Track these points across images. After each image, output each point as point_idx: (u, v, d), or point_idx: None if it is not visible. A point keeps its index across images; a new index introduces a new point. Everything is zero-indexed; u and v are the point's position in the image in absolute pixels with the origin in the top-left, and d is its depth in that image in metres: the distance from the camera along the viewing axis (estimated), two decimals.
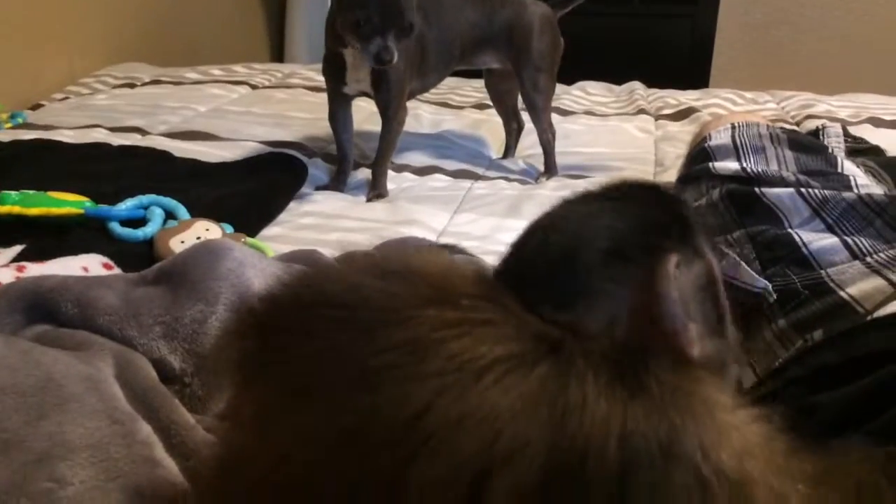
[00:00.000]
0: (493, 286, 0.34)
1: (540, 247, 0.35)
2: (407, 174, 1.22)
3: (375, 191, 1.12)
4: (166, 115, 1.47)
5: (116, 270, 0.79)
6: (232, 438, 0.37)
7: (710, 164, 0.87)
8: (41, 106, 1.56)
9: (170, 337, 0.61)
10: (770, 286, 0.69)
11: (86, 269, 0.76)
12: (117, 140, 1.29)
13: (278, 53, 2.72)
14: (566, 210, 0.36)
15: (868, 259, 0.65)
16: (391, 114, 1.14)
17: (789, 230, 0.74)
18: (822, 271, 0.67)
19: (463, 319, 0.31)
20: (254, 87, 1.73)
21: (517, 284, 0.34)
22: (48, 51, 1.70)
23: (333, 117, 1.17)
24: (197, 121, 1.45)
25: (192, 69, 1.84)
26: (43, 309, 0.59)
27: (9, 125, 1.37)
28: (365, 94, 1.15)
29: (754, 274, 0.71)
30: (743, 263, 0.72)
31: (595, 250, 0.34)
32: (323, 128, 1.43)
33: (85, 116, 1.43)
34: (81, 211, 0.88)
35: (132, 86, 1.69)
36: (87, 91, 1.66)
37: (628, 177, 0.81)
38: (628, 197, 0.38)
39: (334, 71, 1.12)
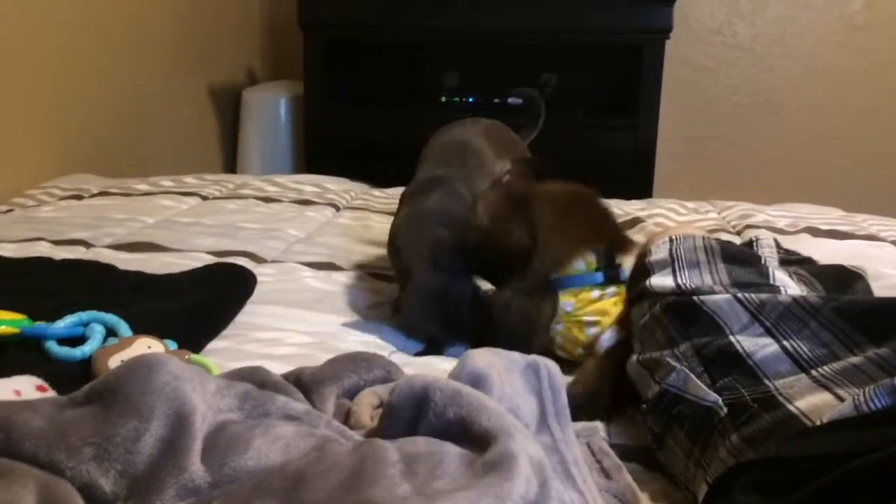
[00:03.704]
0: None
1: None
2: (362, 282, 1.22)
3: None
4: (112, 227, 1.45)
5: (51, 393, 0.75)
6: None
7: (648, 281, 0.89)
8: None
9: (101, 458, 0.58)
10: (720, 400, 0.69)
11: (18, 393, 0.72)
12: (60, 253, 1.26)
13: (231, 164, 2.74)
14: None
15: (814, 373, 0.66)
16: None
17: (730, 338, 0.75)
18: (771, 384, 0.68)
19: None
20: (204, 197, 1.73)
21: None
22: None
23: None
24: (144, 232, 1.43)
25: (142, 180, 1.83)
26: None
27: None
28: None
29: (704, 387, 0.71)
30: (693, 377, 0.73)
31: None
32: (274, 237, 1.43)
33: (28, 229, 1.40)
34: (17, 330, 0.85)
35: (79, 197, 1.67)
36: (32, 203, 1.64)
37: None
38: None
39: None
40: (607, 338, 0.93)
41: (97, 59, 2.02)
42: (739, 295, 0.77)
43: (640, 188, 2.35)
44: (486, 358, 0.70)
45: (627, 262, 0.98)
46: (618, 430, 0.83)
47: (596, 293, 0.94)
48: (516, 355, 0.73)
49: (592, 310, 0.94)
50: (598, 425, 0.83)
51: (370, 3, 2.49)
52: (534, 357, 0.73)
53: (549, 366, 0.73)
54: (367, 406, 0.75)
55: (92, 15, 1.99)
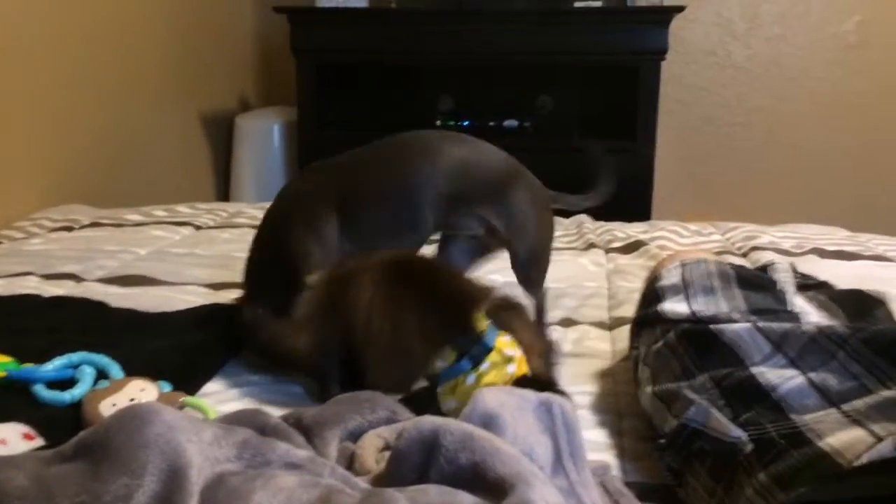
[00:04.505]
0: None
1: None
2: None
3: None
4: (104, 259, 1.41)
5: (39, 440, 0.72)
6: None
7: (660, 306, 0.86)
8: None
9: None
10: (745, 435, 0.66)
11: (4, 442, 0.69)
12: (50, 288, 1.23)
13: (223, 192, 2.71)
14: None
15: (844, 407, 0.62)
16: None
17: (752, 370, 0.72)
18: (798, 418, 0.64)
19: None
20: (198, 227, 1.69)
21: None
22: None
23: None
24: (136, 264, 1.40)
25: (134, 210, 1.80)
26: None
27: None
28: None
29: (726, 422, 0.68)
30: (714, 411, 0.69)
31: None
32: None
33: (16, 263, 1.36)
34: (3, 373, 0.81)
35: (70, 229, 1.64)
36: (21, 235, 1.61)
37: None
38: None
39: None
40: None
41: (87, 88, 2.00)
42: (760, 324, 0.74)
43: (638, 210, 2.33)
44: (497, 397, 0.67)
45: (483, 323, 0.88)
46: (633, 466, 0.80)
47: (471, 379, 0.86)
48: (528, 393, 0.69)
49: (472, 394, 0.84)
50: (610, 462, 0.80)
51: (362, 28, 2.48)
52: (546, 395, 0.69)
53: (562, 403, 0.70)
54: (371, 449, 0.72)
55: (82, 44, 1.97)
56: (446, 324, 0.89)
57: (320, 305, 0.91)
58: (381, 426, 0.76)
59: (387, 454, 0.70)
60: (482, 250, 1.16)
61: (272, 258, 1.05)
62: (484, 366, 0.86)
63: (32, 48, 1.79)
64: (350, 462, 0.71)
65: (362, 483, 0.64)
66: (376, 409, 0.77)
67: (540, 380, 0.86)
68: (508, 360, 0.88)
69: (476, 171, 1.08)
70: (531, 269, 1.10)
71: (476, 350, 0.87)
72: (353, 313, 0.89)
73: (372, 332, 0.89)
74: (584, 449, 0.68)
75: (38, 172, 1.84)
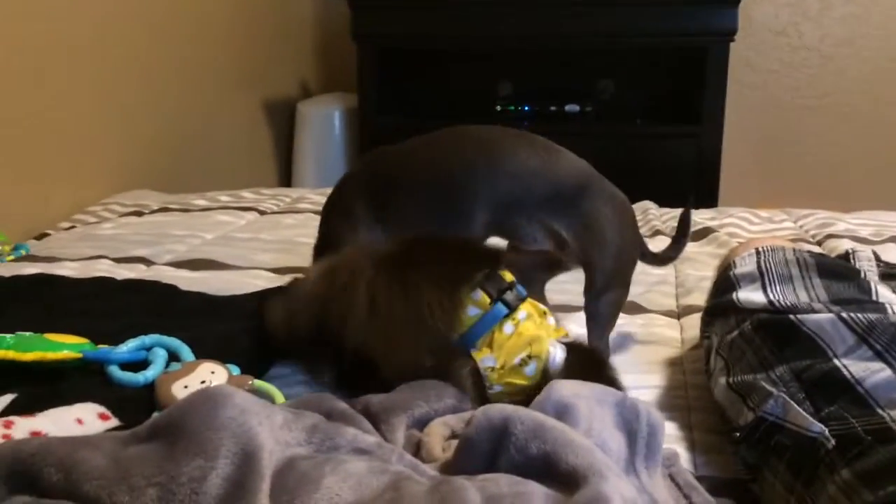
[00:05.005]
0: None
1: None
2: None
3: None
4: (172, 243, 1.44)
5: (114, 420, 0.73)
6: None
7: (735, 295, 0.83)
8: (47, 235, 1.54)
9: (165, 500, 0.55)
10: (826, 430, 0.63)
11: (80, 422, 0.70)
12: (121, 271, 1.26)
13: (286, 178, 2.74)
14: None
15: None
16: None
17: (835, 362, 0.69)
18: (885, 413, 0.61)
19: None
20: (262, 212, 1.72)
21: None
22: (54, 179, 1.70)
23: None
24: (203, 249, 1.42)
25: (200, 195, 1.83)
26: (24, 476, 0.53)
27: (10, 258, 1.34)
28: None
29: (807, 416, 0.65)
30: (794, 404, 0.67)
31: None
32: None
33: (89, 247, 1.40)
34: (79, 355, 0.82)
35: (140, 214, 1.68)
36: (93, 219, 1.65)
37: None
38: None
39: None
40: (555, 359, 0.77)
41: (154, 78, 2.04)
42: (844, 314, 0.71)
43: (705, 197, 2.27)
44: (573, 388, 0.66)
45: (509, 275, 0.80)
46: (703, 459, 0.77)
47: (508, 328, 0.77)
48: (608, 389, 0.68)
49: (515, 347, 0.76)
50: (677, 450, 0.78)
51: (422, 13, 2.47)
52: (632, 396, 0.68)
53: (648, 405, 0.68)
54: (438, 437, 0.71)
55: (149, 35, 2.01)
56: (468, 268, 0.80)
57: (308, 296, 0.85)
58: (448, 414, 0.75)
59: (453, 443, 0.70)
60: (550, 267, 0.99)
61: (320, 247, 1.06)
62: (521, 315, 0.78)
63: (102, 40, 1.83)
64: (416, 449, 0.71)
65: (430, 470, 0.63)
66: (443, 398, 0.76)
67: (586, 348, 0.81)
68: (545, 312, 0.81)
69: (544, 180, 0.94)
70: (601, 300, 0.92)
71: (510, 296, 0.78)
72: (349, 301, 0.81)
73: (378, 313, 0.79)
74: (661, 450, 0.67)
75: (108, 159, 1.89)
